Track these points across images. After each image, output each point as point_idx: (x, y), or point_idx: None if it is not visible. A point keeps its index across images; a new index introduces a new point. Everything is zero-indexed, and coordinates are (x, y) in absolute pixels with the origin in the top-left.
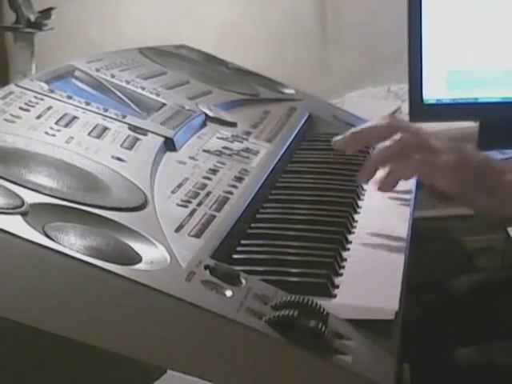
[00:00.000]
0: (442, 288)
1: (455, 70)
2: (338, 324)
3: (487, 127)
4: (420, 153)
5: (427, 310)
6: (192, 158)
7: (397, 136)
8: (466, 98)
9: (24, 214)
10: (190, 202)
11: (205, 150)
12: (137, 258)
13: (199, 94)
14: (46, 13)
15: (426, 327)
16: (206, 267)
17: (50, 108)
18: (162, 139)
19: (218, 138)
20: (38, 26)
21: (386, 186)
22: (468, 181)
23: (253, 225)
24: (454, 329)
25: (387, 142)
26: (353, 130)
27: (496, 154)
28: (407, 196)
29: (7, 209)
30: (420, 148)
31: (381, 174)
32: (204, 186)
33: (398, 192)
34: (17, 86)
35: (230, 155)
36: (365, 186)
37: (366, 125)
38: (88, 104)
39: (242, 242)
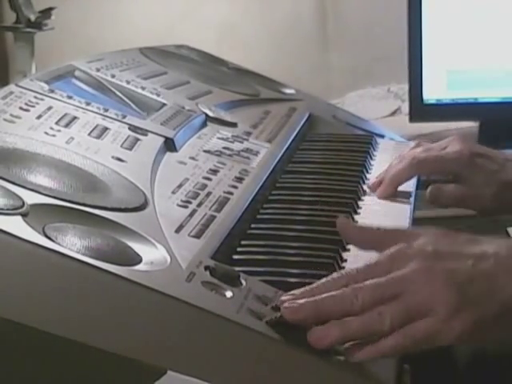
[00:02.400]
0: None
1: (455, 70)
2: None
3: (487, 127)
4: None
5: None
6: (192, 158)
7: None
8: (466, 98)
9: (24, 215)
10: (190, 203)
11: (205, 151)
12: (137, 259)
13: (199, 94)
14: (46, 13)
15: None
16: (206, 268)
17: (50, 108)
18: (162, 139)
19: (219, 138)
20: (38, 25)
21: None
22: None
23: (253, 225)
24: None
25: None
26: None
27: None
28: (407, 196)
29: (7, 209)
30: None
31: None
32: (204, 186)
33: (398, 192)
34: (17, 85)
35: (230, 155)
36: (365, 187)
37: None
38: (88, 104)
39: (243, 242)
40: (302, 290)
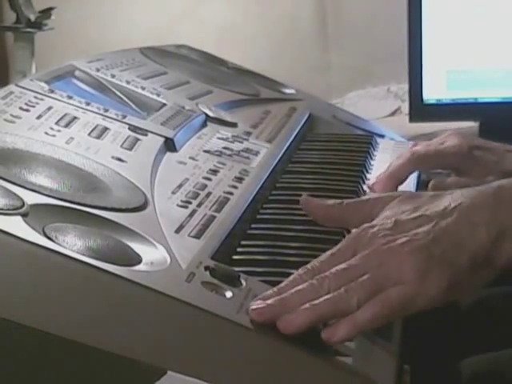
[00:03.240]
0: None
1: (455, 70)
2: None
3: (487, 127)
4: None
5: (427, 311)
6: (192, 158)
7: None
8: (466, 98)
9: (24, 215)
10: (190, 203)
11: (205, 151)
12: (137, 259)
13: (199, 94)
14: (46, 13)
15: (426, 328)
16: (206, 268)
17: (50, 108)
18: (162, 139)
19: (219, 138)
20: (38, 25)
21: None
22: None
23: (253, 225)
24: (454, 330)
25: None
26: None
27: None
28: None
29: (7, 210)
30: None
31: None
32: (204, 186)
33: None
34: (17, 86)
35: (230, 155)
36: (364, 187)
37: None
38: (88, 104)
39: (242, 242)
40: (269, 291)
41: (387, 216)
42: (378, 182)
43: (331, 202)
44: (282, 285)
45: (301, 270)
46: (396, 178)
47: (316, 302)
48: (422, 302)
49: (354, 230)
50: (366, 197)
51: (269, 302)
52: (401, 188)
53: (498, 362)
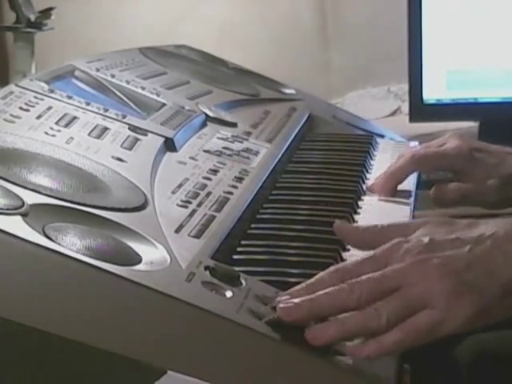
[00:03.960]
0: None
1: (455, 70)
2: None
3: (487, 127)
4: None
5: None
6: (192, 158)
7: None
8: (466, 98)
9: (24, 215)
10: (190, 203)
11: (205, 150)
12: (137, 259)
13: (199, 94)
14: (46, 13)
15: None
16: (206, 268)
17: (50, 108)
18: (162, 139)
19: (218, 138)
20: (38, 25)
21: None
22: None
23: (253, 225)
24: None
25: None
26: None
27: None
28: (407, 196)
29: (7, 209)
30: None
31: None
32: (204, 186)
33: (398, 192)
34: (17, 86)
35: (230, 155)
36: (364, 187)
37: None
38: (88, 104)
39: (242, 242)
40: (298, 287)
41: (422, 234)
42: (377, 183)
43: (364, 226)
44: (310, 282)
45: (332, 269)
46: (395, 178)
47: (346, 316)
48: (449, 329)
49: (389, 242)
50: (401, 221)
51: (297, 301)
52: (400, 187)
53: (500, 340)
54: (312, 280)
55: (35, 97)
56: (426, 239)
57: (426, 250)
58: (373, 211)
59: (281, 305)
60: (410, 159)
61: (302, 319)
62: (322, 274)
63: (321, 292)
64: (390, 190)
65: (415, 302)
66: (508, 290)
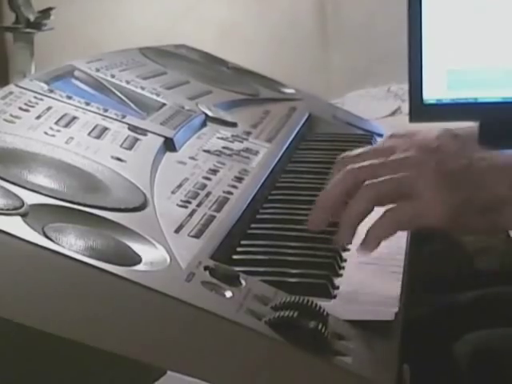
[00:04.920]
0: (443, 287)
1: (455, 69)
2: (338, 325)
3: (487, 127)
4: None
5: (427, 310)
6: (192, 158)
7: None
8: (466, 98)
9: (24, 215)
10: (189, 203)
11: (205, 150)
12: (136, 259)
13: (199, 94)
14: (46, 13)
15: (426, 327)
16: (206, 268)
17: (49, 108)
18: (161, 139)
19: (218, 138)
20: (37, 26)
21: (367, 246)
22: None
23: (253, 225)
24: (454, 328)
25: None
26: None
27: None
28: None
29: (7, 210)
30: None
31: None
32: (204, 186)
33: None
34: (17, 86)
35: (229, 155)
36: None
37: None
38: (88, 104)
39: (242, 242)
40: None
41: (434, 137)
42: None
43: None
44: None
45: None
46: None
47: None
48: (429, 220)
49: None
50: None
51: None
52: None
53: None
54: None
55: (35, 97)
56: (433, 145)
57: (430, 152)
58: (372, 213)
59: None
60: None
61: (321, 212)
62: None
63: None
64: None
65: (404, 188)
66: (492, 203)
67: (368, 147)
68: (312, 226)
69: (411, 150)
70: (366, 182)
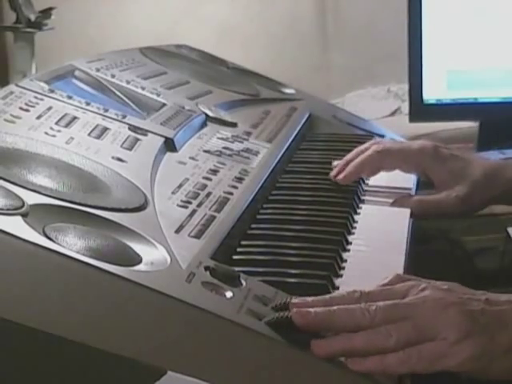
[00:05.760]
0: None
1: (455, 70)
2: None
3: (487, 127)
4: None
5: None
6: (192, 158)
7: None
8: (466, 98)
9: (24, 215)
10: (190, 203)
11: (205, 151)
12: (137, 259)
13: (199, 94)
14: (46, 13)
15: None
16: (206, 268)
17: (50, 108)
18: (162, 139)
19: (219, 138)
20: (38, 25)
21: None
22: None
23: (253, 225)
24: None
25: None
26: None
27: (496, 154)
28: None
29: (7, 210)
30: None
31: None
32: (204, 186)
33: (397, 192)
34: (17, 86)
35: (230, 155)
36: (365, 187)
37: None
38: (88, 104)
39: (242, 242)
40: (313, 298)
41: (441, 284)
42: (342, 174)
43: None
44: (327, 297)
45: (350, 290)
46: (358, 172)
47: (355, 334)
48: (451, 363)
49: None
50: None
51: (315, 309)
52: (400, 186)
53: None
54: (329, 296)
55: (35, 97)
56: (444, 286)
57: (444, 291)
58: (373, 212)
59: (295, 309)
60: (378, 150)
61: (314, 326)
62: (338, 292)
63: (339, 306)
64: (356, 179)
65: (426, 332)
66: None
67: (380, 286)
68: (302, 320)
69: (426, 291)
70: (385, 327)
